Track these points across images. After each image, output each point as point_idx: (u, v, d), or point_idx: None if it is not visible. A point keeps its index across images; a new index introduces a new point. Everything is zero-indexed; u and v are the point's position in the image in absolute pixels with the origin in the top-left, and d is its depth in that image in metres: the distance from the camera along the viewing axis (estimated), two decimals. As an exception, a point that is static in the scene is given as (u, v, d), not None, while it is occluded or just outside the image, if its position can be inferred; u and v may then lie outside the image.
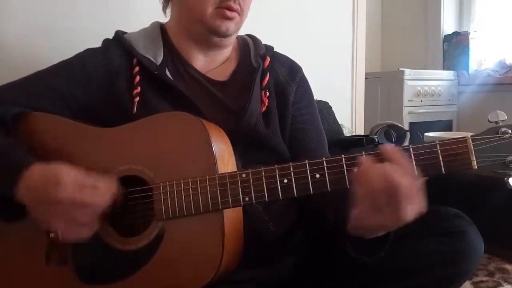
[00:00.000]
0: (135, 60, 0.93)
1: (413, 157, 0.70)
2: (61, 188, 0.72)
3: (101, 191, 0.75)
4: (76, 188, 0.73)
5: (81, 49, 0.98)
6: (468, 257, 0.85)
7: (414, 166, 0.70)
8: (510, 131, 0.68)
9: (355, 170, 0.71)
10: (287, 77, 1.01)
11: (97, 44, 0.99)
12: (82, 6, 1.38)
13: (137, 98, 0.90)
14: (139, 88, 0.91)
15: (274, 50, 1.06)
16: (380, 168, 0.68)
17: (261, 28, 1.16)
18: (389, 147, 0.70)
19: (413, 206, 0.68)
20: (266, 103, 0.95)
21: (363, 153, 0.71)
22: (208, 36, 0.94)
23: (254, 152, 0.92)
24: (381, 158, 0.70)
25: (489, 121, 0.69)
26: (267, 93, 0.96)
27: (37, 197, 0.74)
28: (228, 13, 0.90)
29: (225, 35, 0.94)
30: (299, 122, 1.00)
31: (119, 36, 0.98)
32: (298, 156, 0.96)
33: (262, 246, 0.88)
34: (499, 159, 0.68)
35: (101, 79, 0.93)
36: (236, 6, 0.90)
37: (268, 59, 1.00)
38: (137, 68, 0.93)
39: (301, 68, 1.06)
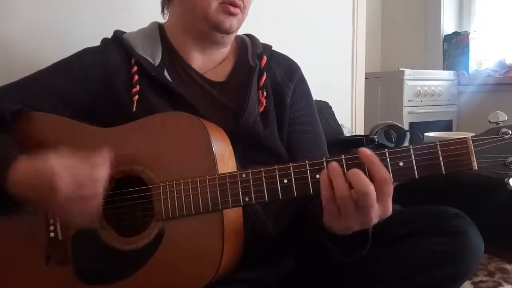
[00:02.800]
0: (133, 60, 0.93)
1: (413, 157, 0.70)
2: (58, 193, 0.70)
3: (98, 174, 0.73)
4: (74, 187, 0.71)
5: (80, 48, 0.98)
6: (468, 257, 0.85)
7: (390, 171, 0.71)
8: (510, 132, 0.68)
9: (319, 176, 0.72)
10: (284, 77, 1.01)
11: (96, 43, 0.99)
12: (82, 6, 1.38)
13: (136, 97, 0.90)
14: (138, 87, 0.91)
15: (273, 49, 1.06)
16: (344, 176, 0.70)
17: (261, 28, 1.16)
18: (366, 151, 0.71)
19: (379, 212, 0.70)
20: (264, 103, 0.95)
21: (343, 156, 0.72)
22: (211, 33, 0.94)
23: (252, 153, 0.92)
24: (357, 162, 0.71)
25: (489, 121, 0.69)
26: (265, 93, 0.96)
27: (33, 198, 0.73)
28: (232, 9, 0.91)
29: (227, 32, 0.94)
30: (297, 124, 1.00)
31: (118, 35, 0.98)
32: (296, 158, 0.96)
33: (262, 246, 0.88)
34: (500, 160, 0.68)
35: (100, 78, 0.93)
36: (239, 2, 0.91)
37: (265, 58, 0.99)
38: (135, 68, 0.93)
39: (299, 68, 1.06)
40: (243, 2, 0.92)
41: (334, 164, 0.71)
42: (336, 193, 0.69)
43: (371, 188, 0.68)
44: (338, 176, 0.70)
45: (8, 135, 0.84)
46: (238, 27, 0.96)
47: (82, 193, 0.72)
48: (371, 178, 0.69)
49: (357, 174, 0.69)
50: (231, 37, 0.99)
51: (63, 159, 0.73)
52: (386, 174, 0.69)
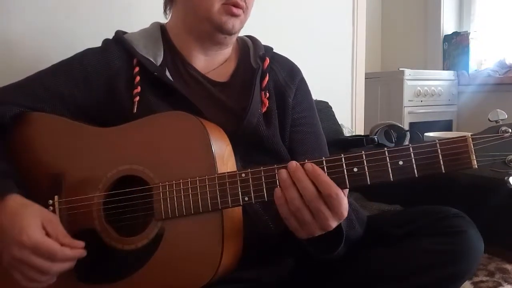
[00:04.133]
0: (135, 61, 0.93)
1: (413, 156, 0.70)
2: (17, 248, 0.73)
3: (58, 259, 0.74)
4: (31, 252, 0.73)
5: (81, 49, 0.98)
6: (468, 257, 0.85)
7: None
8: (510, 130, 0.67)
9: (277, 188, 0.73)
10: (286, 79, 1.01)
11: (97, 44, 0.99)
12: (83, 6, 1.38)
13: (137, 98, 0.90)
14: (139, 88, 0.91)
15: (274, 51, 1.06)
16: (295, 186, 0.71)
17: (261, 28, 1.16)
18: (310, 166, 0.72)
19: (335, 219, 0.72)
20: (267, 104, 0.95)
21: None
22: (213, 33, 0.94)
23: (254, 154, 0.92)
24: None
25: (489, 120, 0.69)
26: (267, 94, 0.96)
27: (1, 238, 0.76)
28: (235, 9, 0.91)
29: (230, 32, 0.94)
30: (298, 125, 1.00)
31: (119, 36, 0.98)
32: (297, 159, 0.95)
33: (262, 245, 0.87)
34: (499, 158, 0.68)
35: (101, 79, 0.93)
36: (242, 3, 0.91)
37: (268, 60, 1.00)
38: (137, 69, 0.93)
39: (300, 71, 1.06)
40: (245, 3, 0.92)
41: (283, 174, 0.72)
42: (289, 206, 0.71)
43: (321, 200, 0.70)
44: (289, 188, 0.71)
45: (4, 163, 0.84)
46: (240, 28, 0.96)
47: (35, 264, 0.73)
48: (319, 193, 0.71)
49: (307, 188, 0.70)
50: (233, 38, 0.99)
51: (47, 222, 0.76)
52: (331, 190, 0.70)
